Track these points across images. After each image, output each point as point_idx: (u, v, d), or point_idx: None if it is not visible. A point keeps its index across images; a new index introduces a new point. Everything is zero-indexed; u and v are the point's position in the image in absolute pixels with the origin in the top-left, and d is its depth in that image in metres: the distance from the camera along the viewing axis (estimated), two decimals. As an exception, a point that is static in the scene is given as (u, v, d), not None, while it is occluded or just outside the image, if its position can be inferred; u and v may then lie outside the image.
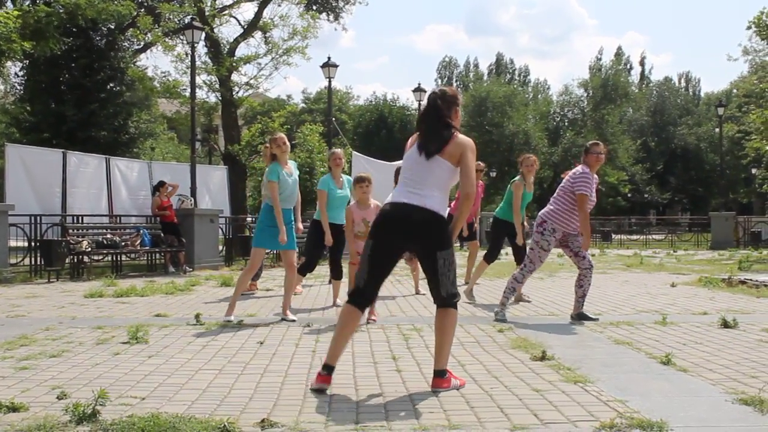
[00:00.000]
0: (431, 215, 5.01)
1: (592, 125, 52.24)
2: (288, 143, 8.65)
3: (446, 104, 5.19)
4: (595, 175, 8.39)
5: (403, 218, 5.04)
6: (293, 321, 8.21)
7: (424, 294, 12.16)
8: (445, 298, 5.12)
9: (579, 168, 8.34)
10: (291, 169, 8.57)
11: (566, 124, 55.04)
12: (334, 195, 9.47)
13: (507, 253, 16.09)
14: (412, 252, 5.53)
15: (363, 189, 8.60)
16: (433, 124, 5.18)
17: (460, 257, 14.43)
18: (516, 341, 6.84)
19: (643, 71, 76.09)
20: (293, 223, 8.68)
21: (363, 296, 5.18)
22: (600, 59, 60.78)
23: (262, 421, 4.21)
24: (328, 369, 5.02)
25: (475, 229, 13.17)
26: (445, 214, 5.13)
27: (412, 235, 5.07)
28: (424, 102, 5.33)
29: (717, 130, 47.52)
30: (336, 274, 9.75)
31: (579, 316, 8.29)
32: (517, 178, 10.44)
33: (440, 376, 5.06)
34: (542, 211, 8.53)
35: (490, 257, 10.74)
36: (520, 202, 10.26)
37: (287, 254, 8.63)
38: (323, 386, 4.96)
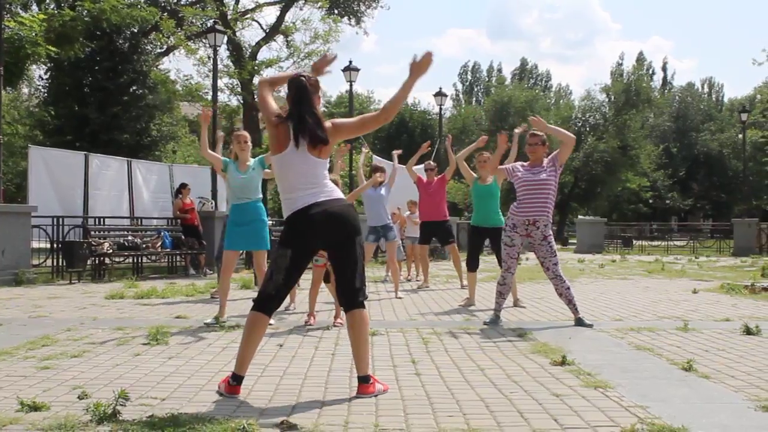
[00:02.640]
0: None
1: (614, 131, 51.86)
2: (249, 142, 8.82)
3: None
4: (553, 157, 8.48)
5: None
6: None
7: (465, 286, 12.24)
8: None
9: None
10: (248, 166, 8.65)
11: (588, 129, 54.67)
12: None
13: (527, 258, 16.06)
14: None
15: None
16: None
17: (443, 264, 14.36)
18: (536, 346, 6.81)
19: (665, 76, 75.71)
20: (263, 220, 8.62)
21: (273, 302, 5.07)
22: (621, 64, 60.57)
23: (282, 423, 4.22)
24: (237, 379, 4.94)
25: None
26: None
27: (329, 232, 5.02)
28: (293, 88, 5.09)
29: (740, 135, 47.18)
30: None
31: (577, 322, 8.27)
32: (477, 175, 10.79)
33: (365, 381, 4.98)
34: None
35: (472, 265, 10.59)
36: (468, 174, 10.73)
37: (257, 255, 8.67)
38: (233, 396, 4.88)
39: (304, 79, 5.10)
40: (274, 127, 5.08)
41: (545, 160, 8.45)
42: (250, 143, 8.85)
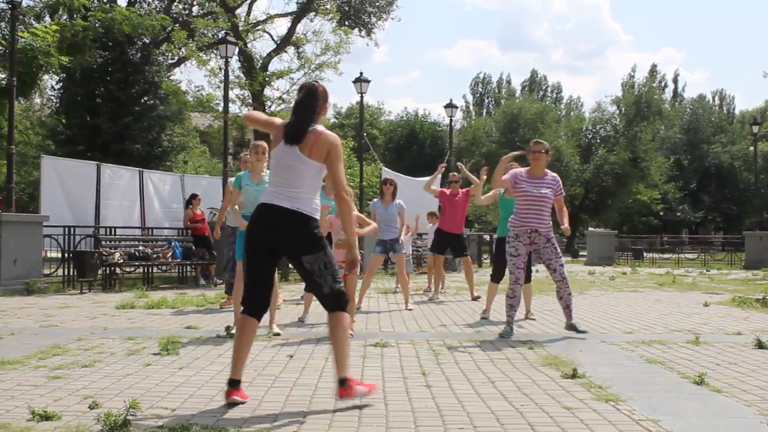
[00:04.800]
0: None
1: (625, 142, 51.78)
2: (267, 153, 8.79)
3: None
4: (552, 173, 8.59)
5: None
6: (278, 335, 8.20)
7: (479, 298, 12.25)
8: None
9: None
10: (263, 177, 8.63)
11: (598, 141, 54.62)
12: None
13: (537, 270, 16.01)
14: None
15: None
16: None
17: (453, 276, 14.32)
18: (547, 358, 6.79)
19: (676, 88, 75.58)
20: None
21: (253, 305, 5.18)
22: (633, 76, 60.51)
23: (292, 434, 4.23)
24: (232, 383, 5.00)
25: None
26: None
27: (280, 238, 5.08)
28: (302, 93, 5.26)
29: (751, 148, 47.02)
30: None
31: (569, 327, 8.37)
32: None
33: (342, 385, 4.97)
34: None
35: (497, 277, 10.46)
36: (487, 196, 10.64)
37: None
38: (235, 400, 4.94)
39: (316, 84, 5.30)
40: (277, 128, 5.21)
41: (549, 175, 8.46)
42: (267, 154, 8.86)
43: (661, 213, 61.24)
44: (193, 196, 17.42)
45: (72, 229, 15.27)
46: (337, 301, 5.06)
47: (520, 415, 4.72)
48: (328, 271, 5.05)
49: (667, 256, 35.99)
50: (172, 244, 16.55)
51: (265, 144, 8.94)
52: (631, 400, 5.13)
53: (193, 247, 16.72)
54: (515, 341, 7.92)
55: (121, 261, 15.13)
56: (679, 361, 6.75)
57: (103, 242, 15.41)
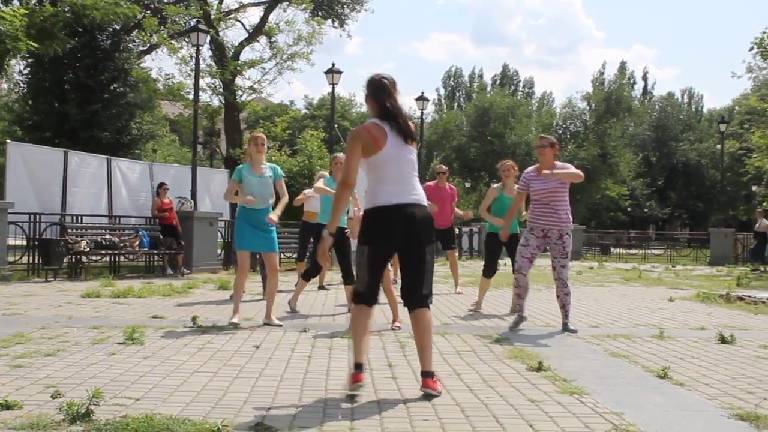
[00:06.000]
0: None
1: (594, 138, 52.21)
2: (266, 144, 8.81)
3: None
4: (563, 163, 8.57)
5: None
6: (279, 326, 8.18)
7: (461, 293, 12.32)
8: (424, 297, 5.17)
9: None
10: (263, 170, 8.58)
11: (568, 136, 55.02)
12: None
13: (506, 263, 16.06)
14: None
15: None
16: None
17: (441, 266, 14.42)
18: (512, 351, 6.83)
19: (645, 86, 76.20)
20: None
21: (369, 298, 5.23)
22: (603, 73, 60.91)
23: (257, 425, 4.21)
24: (358, 367, 5.04)
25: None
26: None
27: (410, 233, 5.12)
28: (380, 86, 5.24)
29: (718, 146, 47.59)
30: (348, 280, 9.33)
31: (564, 327, 8.41)
32: (496, 184, 10.61)
33: (430, 376, 5.06)
34: None
35: (488, 272, 10.59)
36: (488, 202, 10.41)
37: (268, 257, 8.64)
38: (358, 384, 4.96)
39: (386, 80, 5.25)
40: (377, 129, 5.13)
41: (558, 165, 8.41)
42: (266, 146, 8.82)
43: (629, 209, 61.83)
44: (160, 185, 17.30)
45: (38, 216, 15.08)
46: (425, 300, 5.15)
47: (485, 408, 4.74)
48: (432, 268, 5.22)
49: (633, 251, 36.34)
50: (140, 233, 16.42)
51: (264, 136, 8.85)
52: (596, 393, 5.17)
53: (161, 236, 16.59)
54: (482, 334, 7.94)
55: (88, 249, 14.98)
56: (644, 355, 6.81)
57: (70, 230, 15.25)
